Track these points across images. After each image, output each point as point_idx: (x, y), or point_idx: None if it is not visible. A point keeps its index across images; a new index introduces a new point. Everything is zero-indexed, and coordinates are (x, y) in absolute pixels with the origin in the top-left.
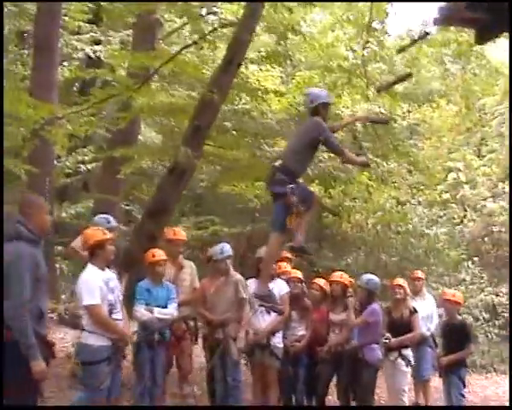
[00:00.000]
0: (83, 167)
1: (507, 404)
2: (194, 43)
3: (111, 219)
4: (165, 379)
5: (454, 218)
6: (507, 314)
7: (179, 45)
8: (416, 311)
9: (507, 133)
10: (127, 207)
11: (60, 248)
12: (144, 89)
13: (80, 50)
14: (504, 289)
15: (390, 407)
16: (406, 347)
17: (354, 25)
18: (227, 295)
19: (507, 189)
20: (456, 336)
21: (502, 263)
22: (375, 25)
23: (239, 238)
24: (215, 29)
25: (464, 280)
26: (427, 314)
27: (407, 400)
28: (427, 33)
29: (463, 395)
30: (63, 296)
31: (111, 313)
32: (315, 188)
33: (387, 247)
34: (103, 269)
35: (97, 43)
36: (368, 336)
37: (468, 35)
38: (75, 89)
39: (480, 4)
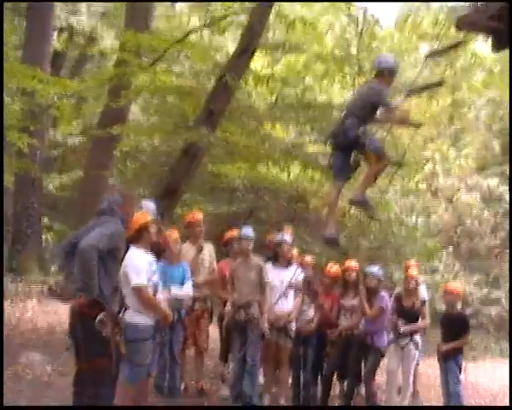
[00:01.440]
0: (70, 141)
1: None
2: (204, 26)
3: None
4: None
5: (428, 207)
6: (477, 305)
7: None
8: (425, 301)
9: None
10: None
11: (46, 220)
12: (150, 69)
13: (64, 21)
14: (475, 278)
15: (390, 407)
16: (416, 332)
17: (346, 12)
18: (250, 277)
19: (480, 182)
20: (455, 325)
21: (472, 254)
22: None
23: (221, 217)
24: (226, 16)
25: (437, 270)
26: None
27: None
28: (460, 42)
29: (460, 380)
30: (52, 269)
31: (154, 294)
32: (297, 171)
33: (368, 233)
34: (146, 252)
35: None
36: (377, 323)
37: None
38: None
39: (500, 15)
